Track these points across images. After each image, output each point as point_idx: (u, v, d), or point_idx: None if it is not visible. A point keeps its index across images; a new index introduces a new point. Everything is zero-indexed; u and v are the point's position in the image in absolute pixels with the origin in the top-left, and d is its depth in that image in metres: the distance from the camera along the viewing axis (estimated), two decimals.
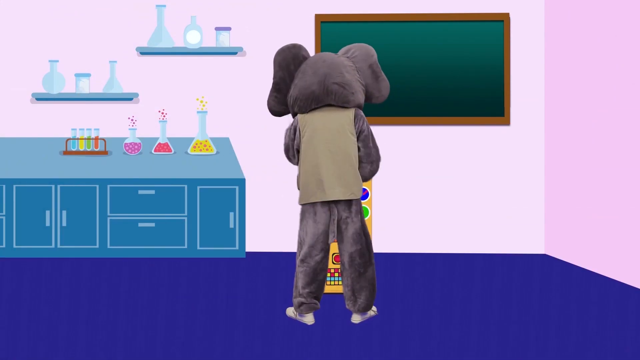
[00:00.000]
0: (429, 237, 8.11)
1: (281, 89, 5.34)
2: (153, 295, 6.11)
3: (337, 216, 5.24)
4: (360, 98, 5.26)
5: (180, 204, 7.80)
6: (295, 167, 8.01)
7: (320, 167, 5.19)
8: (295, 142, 5.31)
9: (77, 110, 8.14)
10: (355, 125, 5.24)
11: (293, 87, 5.27)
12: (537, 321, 5.36)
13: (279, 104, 5.37)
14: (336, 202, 5.25)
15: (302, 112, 5.27)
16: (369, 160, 5.28)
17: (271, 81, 7.90)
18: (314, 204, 5.25)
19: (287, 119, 7.94)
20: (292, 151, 5.35)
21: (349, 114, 5.23)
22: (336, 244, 6.01)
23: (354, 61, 5.31)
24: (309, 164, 5.23)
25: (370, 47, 5.37)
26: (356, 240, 5.26)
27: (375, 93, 5.36)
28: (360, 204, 5.29)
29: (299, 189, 5.32)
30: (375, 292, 5.32)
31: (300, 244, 5.32)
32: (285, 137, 5.36)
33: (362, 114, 5.29)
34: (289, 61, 5.30)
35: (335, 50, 7.92)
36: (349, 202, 5.25)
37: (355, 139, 5.24)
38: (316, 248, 5.26)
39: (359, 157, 5.26)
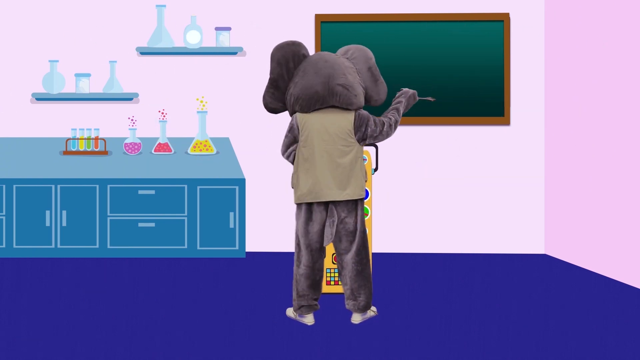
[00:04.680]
0: (429, 237, 8.11)
1: (279, 85, 5.32)
2: (153, 295, 6.11)
3: (336, 218, 5.24)
4: (362, 100, 5.28)
5: (180, 204, 7.80)
6: (292, 166, 8.01)
7: (316, 168, 5.21)
8: (289, 140, 5.33)
9: (77, 110, 8.14)
10: (354, 127, 5.24)
11: (293, 86, 5.26)
12: (537, 321, 5.36)
13: (275, 101, 5.36)
14: (335, 204, 5.25)
15: (304, 112, 5.26)
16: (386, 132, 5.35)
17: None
18: (310, 203, 5.26)
19: (286, 117, 7.94)
20: (286, 148, 5.36)
21: (349, 117, 5.24)
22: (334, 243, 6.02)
23: (354, 63, 5.32)
24: (306, 164, 5.24)
25: (368, 50, 5.39)
26: (355, 239, 5.26)
27: (374, 96, 5.38)
28: (360, 202, 5.29)
29: (292, 187, 5.32)
30: (372, 290, 5.33)
31: (298, 244, 5.33)
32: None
33: (364, 114, 5.27)
34: (288, 58, 5.28)
35: (335, 50, 7.91)
36: (347, 202, 5.25)
37: (354, 140, 5.24)
38: (312, 248, 5.27)
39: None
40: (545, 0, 8.05)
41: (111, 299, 5.98)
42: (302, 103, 5.23)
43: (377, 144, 6.29)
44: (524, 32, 8.08)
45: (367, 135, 5.26)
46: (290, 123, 5.32)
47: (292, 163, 5.36)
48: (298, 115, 5.28)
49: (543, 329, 5.15)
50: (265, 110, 7.44)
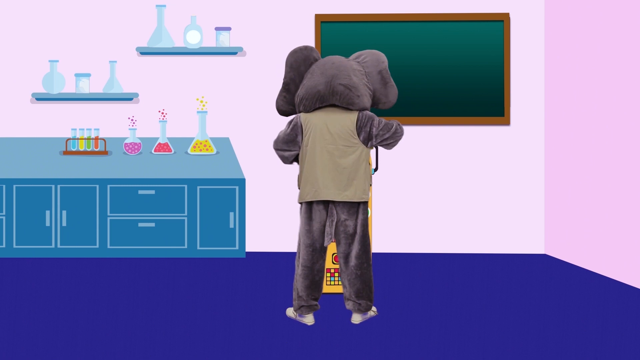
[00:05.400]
0: (429, 237, 8.11)
1: (290, 89, 5.38)
2: (153, 295, 6.11)
3: (335, 218, 5.25)
4: (366, 102, 5.27)
5: (180, 204, 7.80)
6: (292, 166, 8.03)
7: (317, 167, 5.21)
8: (298, 139, 5.31)
9: (77, 110, 8.14)
10: (357, 127, 5.23)
11: (301, 87, 5.31)
12: (537, 321, 5.36)
13: (287, 104, 5.41)
14: (335, 204, 5.25)
15: (307, 111, 5.28)
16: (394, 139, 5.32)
17: (275, 81, 7.96)
18: (311, 203, 5.27)
19: (289, 118, 7.94)
20: (282, 144, 5.32)
21: (352, 116, 5.24)
22: (334, 244, 6.02)
23: (364, 66, 5.34)
24: (308, 163, 5.25)
25: (382, 54, 5.40)
26: (354, 242, 5.26)
27: (382, 99, 5.38)
28: (362, 206, 5.29)
29: (299, 187, 5.34)
30: (373, 292, 5.33)
31: (299, 244, 5.34)
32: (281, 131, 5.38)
33: (368, 114, 5.26)
34: (299, 62, 5.35)
35: (336, 51, 7.92)
36: (348, 204, 5.25)
37: (358, 141, 5.24)
38: (313, 248, 5.27)
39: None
40: (545, 0, 8.05)
41: (111, 299, 5.98)
42: (305, 103, 5.27)
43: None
44: (524, 32, 8.08)
45: (372, 135, 5.25)
46: (294, 120, 5.31)
47: (280, 157, 5.36)
48: (302, 115, 5.29)
49: (543, 329, 5.15)
50: (277, 113, 7.45)
